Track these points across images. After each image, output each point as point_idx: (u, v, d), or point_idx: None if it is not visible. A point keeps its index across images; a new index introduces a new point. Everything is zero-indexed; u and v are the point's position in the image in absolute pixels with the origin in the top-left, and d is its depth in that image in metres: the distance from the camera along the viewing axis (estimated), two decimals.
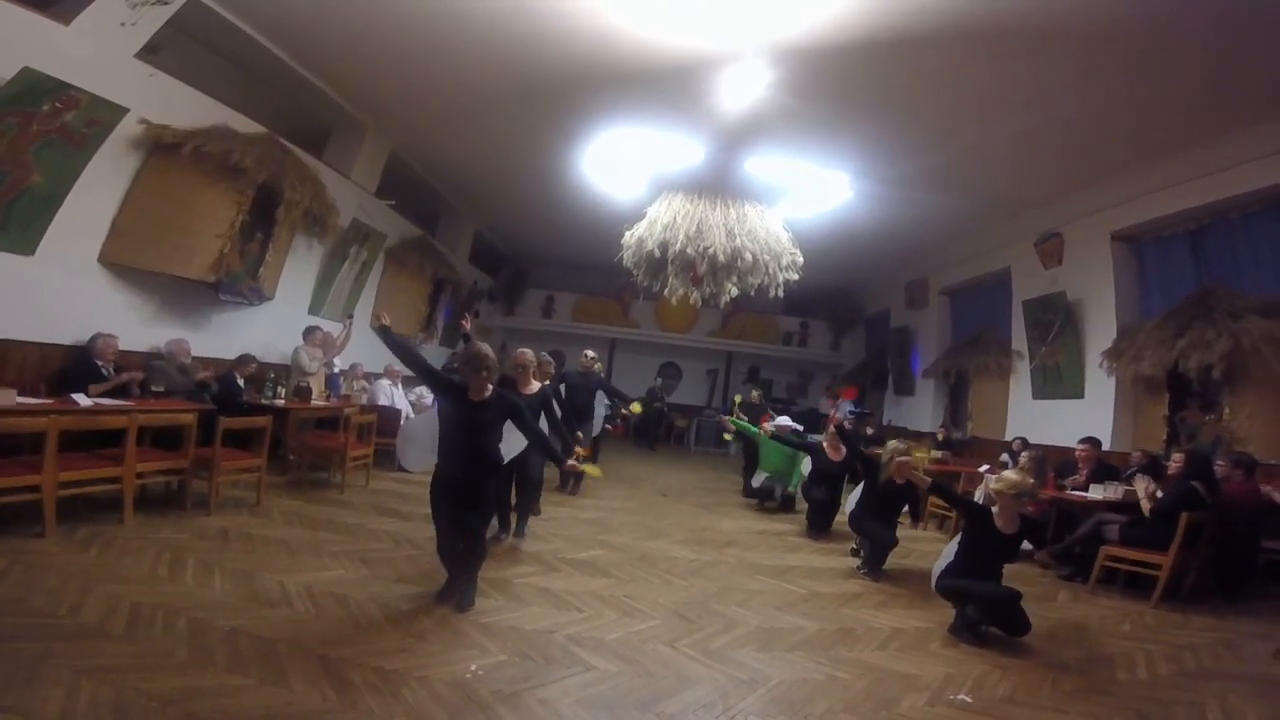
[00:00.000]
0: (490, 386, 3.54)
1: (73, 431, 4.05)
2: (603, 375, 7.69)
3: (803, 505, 6.75)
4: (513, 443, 3.99)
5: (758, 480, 7.39)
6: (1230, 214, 6.63)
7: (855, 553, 5.32)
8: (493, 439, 3.60)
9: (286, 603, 3.26)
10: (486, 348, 3.55)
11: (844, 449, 6.47)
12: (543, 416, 4.75)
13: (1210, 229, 6.94)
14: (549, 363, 5.71)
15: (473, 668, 2.76)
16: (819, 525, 6.21)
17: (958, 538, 4.04)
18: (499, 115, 7.61)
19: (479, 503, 3.56)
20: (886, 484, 5.08)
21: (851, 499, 5.48)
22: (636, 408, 7.06)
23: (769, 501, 7.42)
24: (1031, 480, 3.96)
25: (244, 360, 6.50)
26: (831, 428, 6.72)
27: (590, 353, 7.33)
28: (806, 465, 6.94)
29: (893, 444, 5.26)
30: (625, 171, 6.20)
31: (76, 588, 3.09)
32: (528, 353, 5.02)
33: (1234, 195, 6.34)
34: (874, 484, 5.19)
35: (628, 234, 5.91)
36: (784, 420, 7.91)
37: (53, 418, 3.80)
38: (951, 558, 3.92)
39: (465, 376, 3.51)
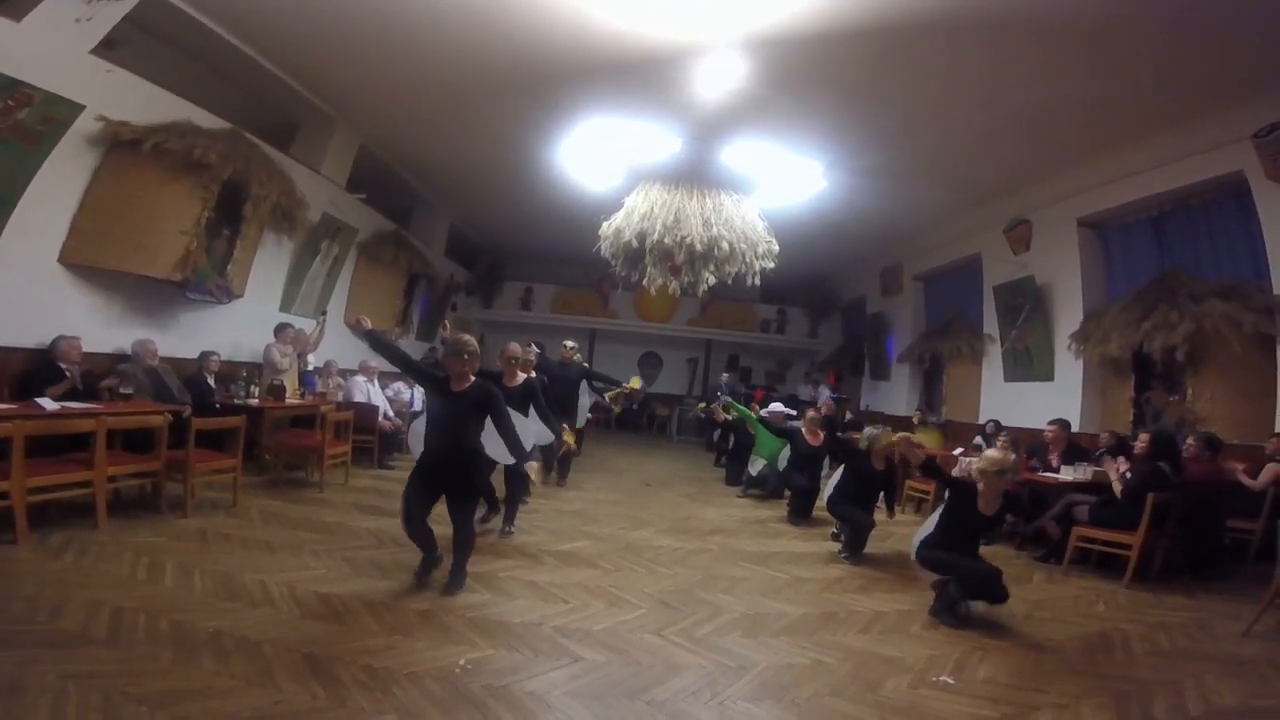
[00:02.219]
0: (471, 376, 3.65)
1: (40, 436, 3.96)
2: (584, 364, 7.66)
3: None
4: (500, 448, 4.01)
5: (755, 468, 7.47)
6: (1190, 200, 6.82)
7: (836, 537, 5.40)
8: (473, 429, 3.67)
9: (270, 603, 3.23)
10: (469, 337, 3.69)
11: (822, 434, 6.57)
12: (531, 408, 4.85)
13: (1172, 215, 7.14)
14: (533, 361, 5.69)
15: (461, 662, 2.77)
16: (800, 511, 6.29)
17: (939, 511, 4.09)
18: (472, 107, 7.52)
19: (463, 492, 3.67)
20: (864, 468, 5.15)
21: (830, 484, 5.55)
22: (635, 383, 7.13)
23: (753, 489, 7.50)
24: (1013, 456, 4.02)
25: (206, 357, 6.39)
26: (811, 412, 6.81)
27: (570, 343, 7.30)
28: (784, 452, 7.02)
29: (870, 430, 5.34)
30: (601, 162, 6.17)
31: (54, 594, 3.03)
32: (515, 345, 5.02)
33: (1194, 182, 6.52)
34: (853, 469, 5.26)
35: (605, 225, 5.90)
36: (777, 406, 7.96)
37: (18, 423, 3.69)
38: (931, 529, 3.98)
39: (447, 363, 3.65)
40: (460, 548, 3.67)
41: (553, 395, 6.51)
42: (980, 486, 3.88)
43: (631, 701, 2.59)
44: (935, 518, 4.06)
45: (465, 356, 3.59)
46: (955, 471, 5.57)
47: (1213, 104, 5.87)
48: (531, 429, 4.81)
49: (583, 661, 2.90)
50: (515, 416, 3.94)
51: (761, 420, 7.42)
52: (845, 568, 4.79)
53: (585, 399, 7.27)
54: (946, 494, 4.09)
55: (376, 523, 4.90)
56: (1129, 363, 7.02)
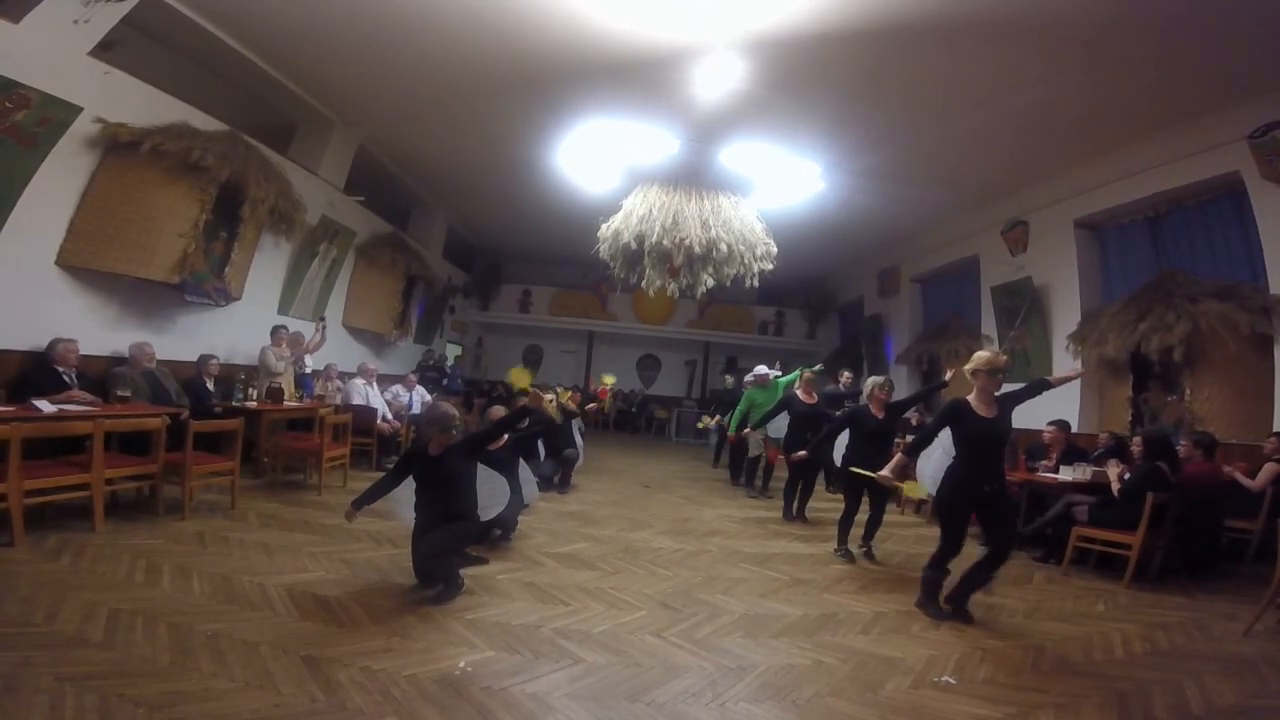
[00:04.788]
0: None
1: (37, 439, 3.95)
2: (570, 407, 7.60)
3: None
4: (497, 496, 4.07)
5: (755, 448, 7.37)
6: (1186, 202, 6.86)
7: (837, 553, 5.17)
8: (465, 489, 3.70)
9: (268, 605, 3.21)
10: (453, 412, 3.77)
11: (815, 395, 6.58)
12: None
13: (1168, 216, 7.18)
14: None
15: (461, 664, 2.75)
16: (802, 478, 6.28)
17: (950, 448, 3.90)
18: (471, 108, 7.53)
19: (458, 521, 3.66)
20: (866, 422, 5.05)
21: (839, 449, 5.37)
22: (608, 380, 7.14)
23: (760, 492, 7.49)
24: (1004, 357, 3.91)
25: (205, 360, 6.38)
26: (807, 373, 6.79)
27: (549, 396, 7.26)
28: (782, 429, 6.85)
29: (874, 379, 5.26)
30: (600, 164, 6.17)
31: (51, 596, 3.01)
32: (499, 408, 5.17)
33: (1190, 183, 6.56)
34: (856, 427, 5.12)
35: (604, 226, 5.91)
36: (761, 369, 7.78)
37: (14, 425, 3.67)
38: (949, 460, 3.82)
39: (430, 435, 3.72)
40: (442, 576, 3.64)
41: (550, 445, 6.78)
42: (973, 392, 3.76)
43: (632, 703, 2.58)
44: (941, 454, 3.88)
45: (452, 431, 3.66)
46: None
47: (1208, 105, 5.90)
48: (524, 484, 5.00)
49: (583, 663, 2.89)
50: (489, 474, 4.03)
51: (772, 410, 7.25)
52: (845, 568, 4.77)
53: (578, 436, 7.34)
54: (947, 430, 3.82)
55: (375, 525, 4.86)
56: (1127, 363, 7.05)
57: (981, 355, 3.85)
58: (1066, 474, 5.59)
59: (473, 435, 3.92)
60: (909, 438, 4.35)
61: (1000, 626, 3.67)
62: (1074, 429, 7.02)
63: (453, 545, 3.62)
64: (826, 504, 6.62)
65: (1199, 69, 5.35)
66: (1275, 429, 5.53)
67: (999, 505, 3.80)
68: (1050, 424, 6.42)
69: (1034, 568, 5.05)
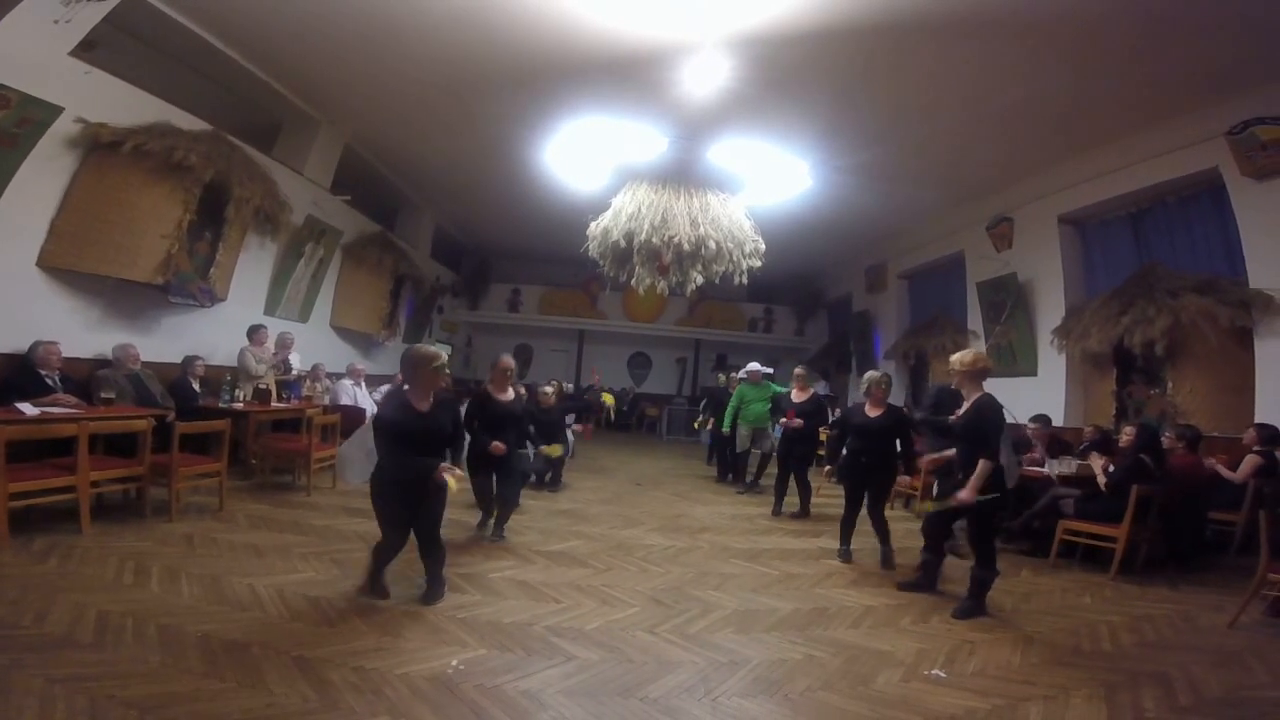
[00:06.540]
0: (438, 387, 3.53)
1: (21, 441, 3.90)
2: (567, 394, 7.55)
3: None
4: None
5: (743, 444, 7.39)
6: (1167, 197, 6.96)
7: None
8: (445, 445, 3.59)
9: (258, 606, 3.20)
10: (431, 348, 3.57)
11: (809, 391, 6.63)
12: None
13: (1150, 212, 7.28)
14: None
15: (453, 663, 2.76)
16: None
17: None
18: (458, 106, 7.50)
19: (433, 499, 3.47)
20: (856, 421, 5.02)
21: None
22: (608, 399, 7.12)
23: (752, 489, 7.52)
24: (982, 351, 4.02)
25: (191, 361, 6.32)
26: (799, 369, 6.86)
27: (549, 389, 7.27)
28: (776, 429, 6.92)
29: (870, 374, 5.25)
30: (588, 162, 6.15)
31: (39, 598, 2.99)
32: (508, 358, 4.98)
33: (1170, 179, 6.65)
34: (851, 428, 5.07)
35: (593, 225, 5.90)
36: (754, 366, 7.70)
37: None
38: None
39: (416, 378, 3.44)
40: (434, 562, 3.52)
41: (539, 432, 6.63)
42: (960, 388, 3.93)
43: (625, 699, 2.59)
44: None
45: (442, 368, 3.44)
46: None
47: (1188, 102, 5.99)
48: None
49: (576, 660, 2.90)
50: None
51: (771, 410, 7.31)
52: (835, 563, 4.80)
53: (569, 434, 7.33)
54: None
55: (365, 525, 4.83)
56: (1110, 357, 7.13)
57: (956, 356, 4.02)
58: (1052, 468, 5.65)
59: (458, 412, 3.78)
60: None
61: (989, 620, 3.71)
62: (1059, 423, 7.11)
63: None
64: (821, 499, 6.64)
65: (1180, 66, 5.42)
66: (1256, 421, 5.61)
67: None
68: (1032, 420, 6.49)
69: (1021, 561, 5.10)
